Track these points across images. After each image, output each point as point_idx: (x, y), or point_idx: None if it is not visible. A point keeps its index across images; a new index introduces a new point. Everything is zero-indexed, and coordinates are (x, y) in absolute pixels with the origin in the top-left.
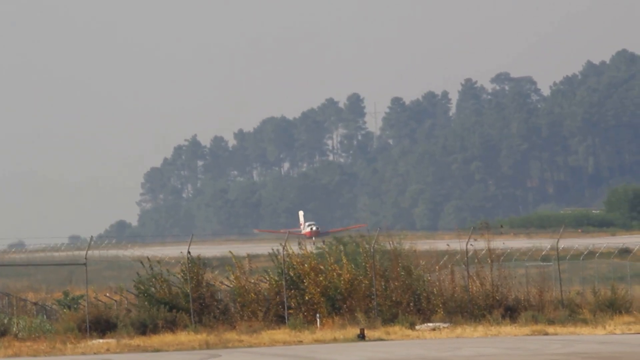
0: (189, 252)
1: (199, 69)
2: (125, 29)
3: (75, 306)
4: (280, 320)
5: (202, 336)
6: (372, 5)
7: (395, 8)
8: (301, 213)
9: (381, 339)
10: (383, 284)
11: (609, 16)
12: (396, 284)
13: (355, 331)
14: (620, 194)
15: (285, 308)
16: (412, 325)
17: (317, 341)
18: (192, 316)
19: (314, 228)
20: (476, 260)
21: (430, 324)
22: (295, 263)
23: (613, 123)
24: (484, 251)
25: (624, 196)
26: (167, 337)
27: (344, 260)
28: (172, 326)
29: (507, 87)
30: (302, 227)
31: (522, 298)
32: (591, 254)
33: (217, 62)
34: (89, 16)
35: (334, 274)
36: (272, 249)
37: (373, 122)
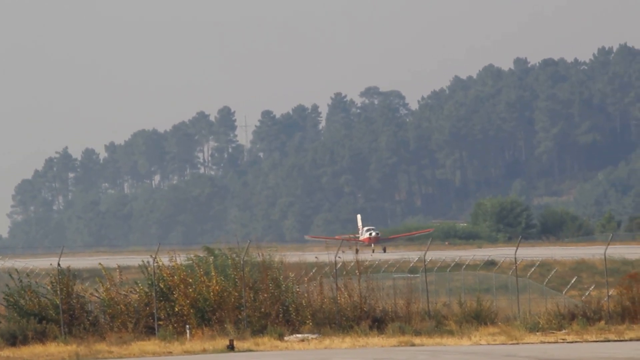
0: (59, 264)
1: (70, 80)
2: None
3: None
4: (150, 331)
5: (72, 347)
6: (242, 19)
7: (265, 22)
8: (359, 217)
9: (250, 350)
10: (252, 295)
11: (475, 32)
12: (265, 295)
13: (224, 342)
14: (486, 207)
15: (155, 319)
16: (281, 336)
17: (187, 352)
18: (62, 327)
19: (374, 233)
20: (344, 272)
21: (299, 335)
22: (165, 275)
23: (480, 137)
24: (352, 263)
25: (489, 209)
26: (37, 349)
27: (213, 272)
28: (42, 337)
29: (376, 101)
30: (360, 232)
31: (390, 309)
32: (458, 266)
33: (89, 73)
34: None
35: (203, 285)
36: (143, 261)
37: (244, 135)
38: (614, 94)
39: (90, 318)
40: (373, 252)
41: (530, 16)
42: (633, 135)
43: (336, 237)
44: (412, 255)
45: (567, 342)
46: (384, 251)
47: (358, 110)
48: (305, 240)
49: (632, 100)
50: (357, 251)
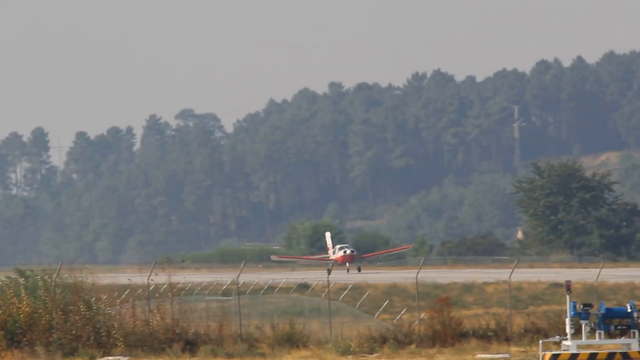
0: None
1: None
2: None
3: None
4: None
5: None
6: (57, 39)
7: (74, 43)
8: (328, 234)
9: None
10: (64, 317)
11: (290, 55)
12: (77, 317)
13: None
14: (299, 230)
15: None
16: (92, 359)
17: None
18: None
19: (348, 252)
20: (157, 295)
21: (111, 358)
22: None
23: (294, 160)
24: (165, 285)
25: (302, 232)
26: None
27: (24, 294)
28: None
29: (191, 124)
30: (330, 251)
31: (202, 332)
32: (271, 288)
33: None
34: None
35: (13, 307)
36: None
37: (57, 157)
38: (428, 119)
39: None
40: (348, 271)
41: (346, 41)
42: (446, 161)
43: (303, 257)
44: (225, 277)
45: None
46: (359, 271)
47: (173, 133)
48: (118, 261)
49: (445, 125)
50: (329, 271)
